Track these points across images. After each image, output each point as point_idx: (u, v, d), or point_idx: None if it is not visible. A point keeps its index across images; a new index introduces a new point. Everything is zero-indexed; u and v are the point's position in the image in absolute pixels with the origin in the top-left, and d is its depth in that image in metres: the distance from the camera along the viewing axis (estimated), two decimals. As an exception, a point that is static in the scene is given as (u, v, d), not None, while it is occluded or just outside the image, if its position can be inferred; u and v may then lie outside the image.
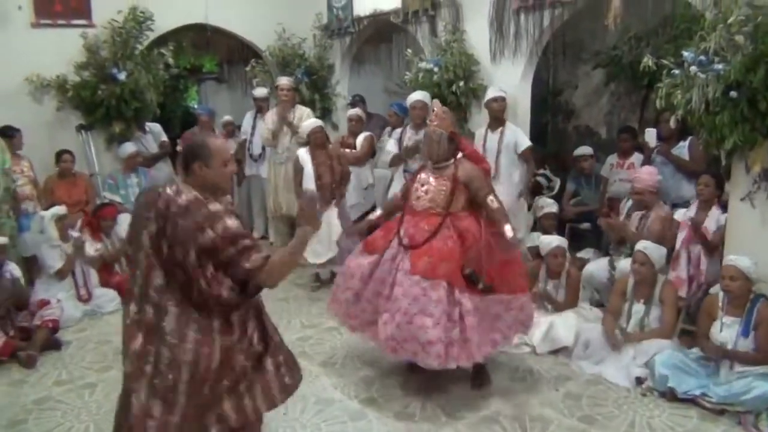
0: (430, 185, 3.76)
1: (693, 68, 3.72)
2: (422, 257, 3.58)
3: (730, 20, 3.52)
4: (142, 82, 6.43)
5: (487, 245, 3.63)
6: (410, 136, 5.49)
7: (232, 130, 7.57)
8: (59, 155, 6.07)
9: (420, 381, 3.90)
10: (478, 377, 3.89)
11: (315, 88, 7.48)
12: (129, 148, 6.44)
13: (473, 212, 3.76)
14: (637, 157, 5.60)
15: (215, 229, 2.24)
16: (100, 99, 6.35)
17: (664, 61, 3.98)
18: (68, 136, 6.49)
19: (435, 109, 3.87)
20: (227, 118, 7.87)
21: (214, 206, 2.30)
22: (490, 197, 3.73)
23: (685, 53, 3.80)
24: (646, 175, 4.75)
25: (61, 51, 6.35)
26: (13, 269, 4.70)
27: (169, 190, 2.31)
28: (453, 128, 3.85)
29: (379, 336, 3.59)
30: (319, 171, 5.55)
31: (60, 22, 6.42)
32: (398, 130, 5.76)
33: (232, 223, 2.28)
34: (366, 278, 3.75)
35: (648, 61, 4.06)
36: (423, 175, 3.85)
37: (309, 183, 5.58)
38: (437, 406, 3.68)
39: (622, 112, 7.60)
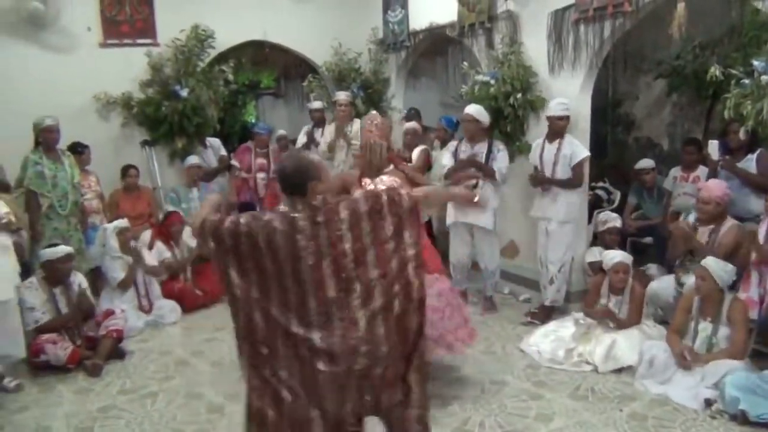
0: None
1: (765, 77, 3.58)
2: None
3: (804, 27, 3.39)
4: (203, 98, 6.62)
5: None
6: (465, 150, 5.45)
7: (285, 144, 7.71)
8: (125, 170, 6.28)
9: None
10: None
11: (370, 102, 7.53)
12: (193, 160, 6.62)
13: None
14: (702, 170, 5.43)
15: None
16: (164, 115, 6.55)
17: (733, 71, 3.84)
18: (133, 151, 6.72)
19: (376, 121, 4.00)
20: (281, 132, 8.01)
21: None
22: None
23: (756, 62, 3.68)
24: (715, 186, 4.58)
25: (127, 69, 6.60)
26: (81, 280, 4.86)
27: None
28: (388, 139, 4.14)
29: None
30: None
31: (126, 41, 6.67)
32: (453, 143, 5.72)
33: None
34: None
35: (715, 70, 3.93)
36: (368, 185, 3.90)
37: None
38: (496, 423, 3.61)
39: (685, 123, 7.39)
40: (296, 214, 2.28)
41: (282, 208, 2.47)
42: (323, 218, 2.28)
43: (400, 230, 2.36)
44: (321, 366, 2.26)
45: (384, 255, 2.33)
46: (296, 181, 2.34)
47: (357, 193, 2.47)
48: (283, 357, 2.30)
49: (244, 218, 2.28)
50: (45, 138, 5.15)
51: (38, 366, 4.39)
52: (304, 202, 2.32)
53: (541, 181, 5.16)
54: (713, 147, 4.99)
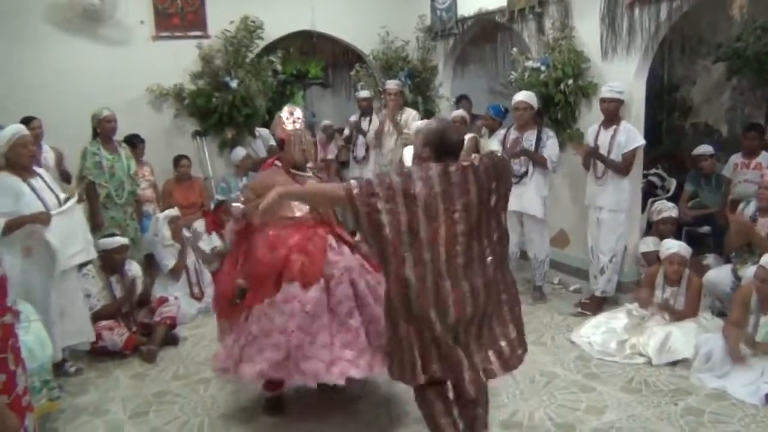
0: None
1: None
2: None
3: None
4: (252, 89, 6.69)
5: None
6: (514, 137, 5.37)
7: (331, 133, 7.74)
8: (177, 160, 6.40)
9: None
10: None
11: (418, 91, 7.49)
12: (241, 152, 6.71)
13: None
14: (764, 157, 5.25)
15: None
16: (214, 106, 6.65)
17: (798, 52, 3.66)
18: (184, 142, 6.85)
19: (294, 112, 3.73)
20: (326, 122, 8.04)
21: None
22: None
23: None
24: None
25: (178, 61, 6.71)
26: (135, 268, 4.99)
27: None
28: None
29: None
30: None
31: (177, 34, 6.78)
32: (502, 131, 5.65)
33: None
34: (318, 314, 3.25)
35: (779, 52, 3.76)
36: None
37: None
38: (545, 415, 3.57)
39: (745, 108, 7.13)
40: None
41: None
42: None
43: None
44: None
45: None
46: (457, 146, 2.68)
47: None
48: None
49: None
50: (103, 128, 5.28)
51: (96, 351, 4.53)
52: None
53: (588, 153, 5.03)
54: None
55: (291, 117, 3.70)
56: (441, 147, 2.65)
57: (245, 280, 3.48)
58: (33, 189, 3.92)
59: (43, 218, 3.85)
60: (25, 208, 3.83)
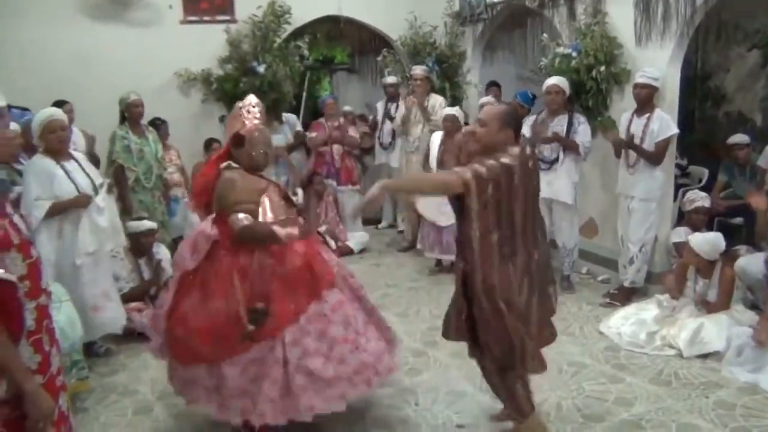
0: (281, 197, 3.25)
1: None
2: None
3: None
4: (279, 74, 6.70)
5: None
6: (541, 120, 5.30)
7: (353, 119, 7.71)
8: (209, 143, 6.45)
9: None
10: None
11: (445, 77, 7.41)
12: (275, 143, 6.70)
13: None
14: (802, 146, 5.10)
15: None
16: (242, 91, 6.62)
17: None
18: (212, 126, 6.88)
19: (252, 103, 3.21)
20: (347, 108, 8.01)
21: None
22: None
23: None
24: None
25: (206, 46, 6.74)
26: (163, 251, 5.02)
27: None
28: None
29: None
30: (444, 158, 5.59)
31: (205, 18, 6.81)
32: (532, 117, 5.58)
33: None
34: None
35: (820, 39, 3.64)
36: (272, 194, 3.16)
37: (432, 166, 5.72)
38: (573, 405, 3.53)
39: (780, 96, 6.96)
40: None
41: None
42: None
43: None
44: None
45: None
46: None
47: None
48: None
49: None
50: (131, 113, 5.32)
51: (125, 332, 4.59)
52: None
53: (619, 143, 4.95)
54: None
55: (252, 110, 3.16)
56: (519, 127, 2.92)
57: (263, 303, 2.91)
58: (66, 172, 3.96)
59: (83, 201, 3.95)
60: (57, 190, 3.88)
